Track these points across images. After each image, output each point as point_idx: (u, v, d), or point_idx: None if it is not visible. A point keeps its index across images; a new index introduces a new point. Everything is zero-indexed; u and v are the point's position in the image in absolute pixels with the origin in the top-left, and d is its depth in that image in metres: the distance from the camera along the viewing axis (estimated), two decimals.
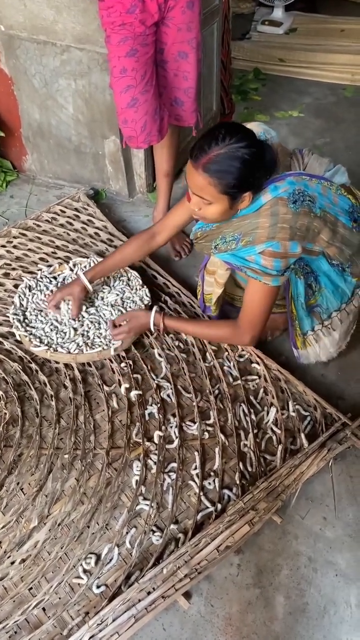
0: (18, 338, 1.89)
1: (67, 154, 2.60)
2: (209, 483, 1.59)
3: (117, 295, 2.01)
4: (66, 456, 1.63)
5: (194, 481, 1.59)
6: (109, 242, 2.32)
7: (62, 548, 1.46)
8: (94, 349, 1.83)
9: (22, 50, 2.31)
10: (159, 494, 1.56)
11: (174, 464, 1.62)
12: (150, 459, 1.64)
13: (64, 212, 2.44)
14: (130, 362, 1.87)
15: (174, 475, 1.60)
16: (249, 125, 1.80)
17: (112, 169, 2.55)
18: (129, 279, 2.08)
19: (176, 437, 1.68)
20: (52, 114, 2.47)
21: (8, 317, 1.96)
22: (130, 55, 1.85)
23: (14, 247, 2.28)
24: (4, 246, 2.27)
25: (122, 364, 1.86)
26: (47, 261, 2.23)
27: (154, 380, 1.83)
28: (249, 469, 1.62)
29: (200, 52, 2.00)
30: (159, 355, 1.90)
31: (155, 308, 1.75)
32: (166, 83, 2.01)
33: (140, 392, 1.78)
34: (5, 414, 1.73)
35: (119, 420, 1.74)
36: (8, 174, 2.74)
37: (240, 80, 3.62)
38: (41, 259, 2.24)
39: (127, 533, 1.49)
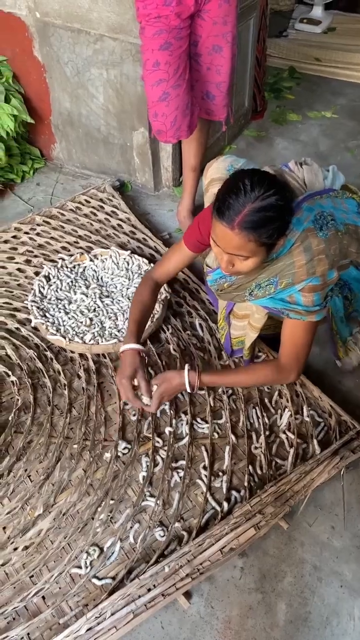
0: (35, 325, 1.89)
1: (95, 144, 2.59)
2: (217, 483, 1.57)
3: (136, 288, 2.00)
4: (75, 446, 1.63)
5: (202, 480, 1.57)
6: (132, 234, 2.31)
7: (65, 538, 1.46)
8: (109, 340, 1.82)
9: (56, 38, 2.31)
10: (166, 491, 1.55)
11: (183, 462, 1.60)
12: (159, 454, 1.62)
13: (88, 202, 2.44)
14: (145, 356, 1.85)
15: (181, 473, 1.58)
16: (217, 162, 1.73)
17: (139, 161, 2.53)
18: (139, 267, 2.06)
19: (186, 435, 1.66)
20: (82, 103, 2.47)
21: (27, 304, 1.96)
22: (164, 48, 1.83)
23: (37, 234, 2.28)
24: (27, 233, 2.28)
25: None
26: (69, 250, 2.22)
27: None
28: (259, 471, 1.60)
29: (235, 46, 1.97)
30: (174, 350, 1.88)
31: (187, 367, 1.54)
32: (199, 76, 1.99)
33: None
34: (18, 400, 1.73)
35: (130, 413, 1.73)
36: (36, 161, 2.74)
37: (275, 78, 3.57)
38: (63, 247, 2.24)
39: (131, 528, 1.48)
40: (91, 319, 1.90)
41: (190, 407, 1.72)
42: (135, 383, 1.52)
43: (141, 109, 2.32)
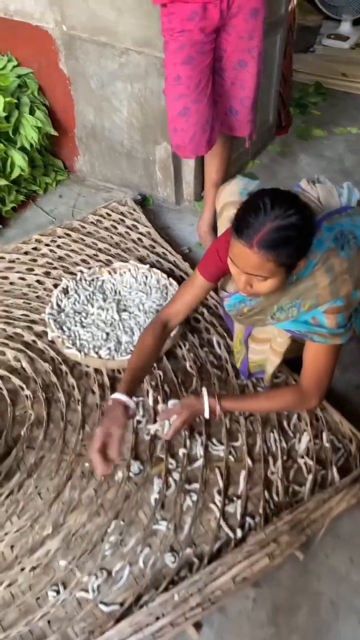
0: (51, 338, 1.87)
1: (118, 157, 2.59)
2: (231, 508, 1.52)
3: (154, 302, 1.97)
4: (87, 464, 1.59)
5: (216, 505, 1.52)
6: (151, 248, 2.28)
7: (73, 559, 1.42)
8: (125, 355, 1.79)
9: (82, 51, 2.31)
10: (178, 515, 1.50)
11: (196, 485, 1.56)
12: (172, 476, 1.58)
13: (109, 215, 2.42)
14: (161, 373, 1.82)
15: (195, 497, 1.53)
16: (229, 186, 1.69)
17: (162, 176, 2.52)
18: (167, 289, 2.03)
19: (201, 457, 1.61)
20: (106, 117, 2.47)
21: (44, 316, 1.95)
22: (186, 62, 1.82)
23: (58, 246, 2.28)
24: (48, 245, 2.27)
25: (152, 375, 1.82)
26: (89, 263, 2.21)
27: (183, 394, 1.77)
28: (275, 498, 1.54)
29: (261, 62, 1.95)
30: (190, 368, 1.85)
31: (205, 392, 1.45)
32: (222, 91, 1.97)
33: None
34: (31, 415, 1.71)
35: (143, 432, 1.69)
36: (59, 173, 2.75)
37: (300, 93, 3.54)
38: (83, 260, 2.22)
39: (141, 552, 1.44)
40: (107, 334, 1.87)
41: (205, 428, 1.68)
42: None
43: (164, 124, 2.30)
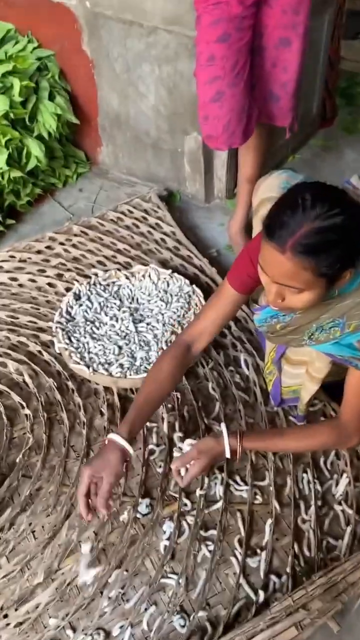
0: (58, 350, 1.67)
1: (143, 148, 2.37)
2: (254, 562, 1.29)
3: (175, 313, 1.75)
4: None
5: (236, 557, 1.30)
6: (175, 250, 2.06)
7: (67, 615, 1.22)
8: (139, 374, 1.57)
9: (106, 30, 2.10)
10: (191, 568, 1.28)
11: (214, 532, 1.33)
12: (186, 520, 1.36)
13: (131, 212, 2.21)
14: (179, 395, 1.60)
15: (211, 546, 1.31)
16: (269, 179, 1.47)
17: (190, 169, 2.29)
18: (189, 297, 1.81)
19: (220, 498, 1.39)
20: (131, 104, 2.25)
21: (52, 324, 1.75)
22: (221, 40, 1.58)
23: (73, 245, 2.08)
24: (62, 244, 2.08)
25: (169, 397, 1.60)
26: (105, 265, 2.00)
27: (204, 420, 1.55)
28: (306, 552, 1.31)
29: (306, 42, 1.69)
30: (213, 390, 1.62)
31: (224, 431, 1.23)
32: (262, 74, 1.72)
33: (183, 434, 1.51)
34: (30, 438, 1.51)
35: (156, 464, 1.47)
36: (80, 165, 2.55)
37: (348, 82, 3.24)
38: (99, 262, 2.02)
39: (145, 610, 1.23)
40: (120, 347, 1.66)
41: (227, 464, 1.45)
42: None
43: (195, 112, 2.06)
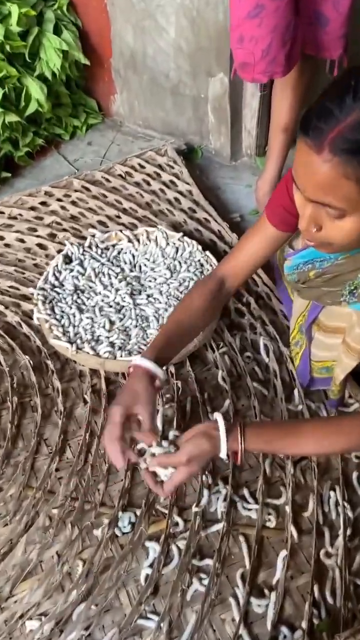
0: (37, 322, 1.39)
1: (162, 94, 2.05)
2: (259, 607, 0.99)
3: (181, 284, 1.44)
4: (55, 510, 1.11)
5: (236, 598, 1.00)
6: (190, 212, 1.74)
7: None
8: (132, 355, 1.28)
9: None
10: (177, 608, 0.99)
11: (210, 561, 1.04)
12: (176, 543, 1.06)
13: (142, 167, 1.90)
14: (179, 384, 1.29)
15: (206, 580, 1.01)
16: None
17: (215, 120, 1.96)
18: (202, 267, 1.50)
19: (222, 518, 1.09)
20: (149, 40, 1.92)
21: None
22: None
23: (72, 202, 1.78)
24: (60, 200, 1.79)
25: (168, 385, 1.30)
26: (107, 227, 1.70)
27: (208, 417, 1.24)
28: (329, 599, 1.00)
29: None
30: (223, 380, 1.31)
31: (220, 421, 0.90)
32: None
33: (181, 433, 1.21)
34: None
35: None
36: (91, 116, 2.24)
37: None
38: (101, 222, 1.72)
39: None
40: (112, 323, 1.37)
41: (234, 473, 1.15)
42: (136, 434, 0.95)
43: (222, 47, 1.74)
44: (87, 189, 1.82)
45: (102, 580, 1.02)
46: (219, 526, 1.08)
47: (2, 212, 1.74)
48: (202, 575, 1.03)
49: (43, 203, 1.78)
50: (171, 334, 1.00)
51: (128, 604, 1.01)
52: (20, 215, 1.74)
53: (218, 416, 0.92)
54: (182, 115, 2.05)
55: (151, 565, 1.04)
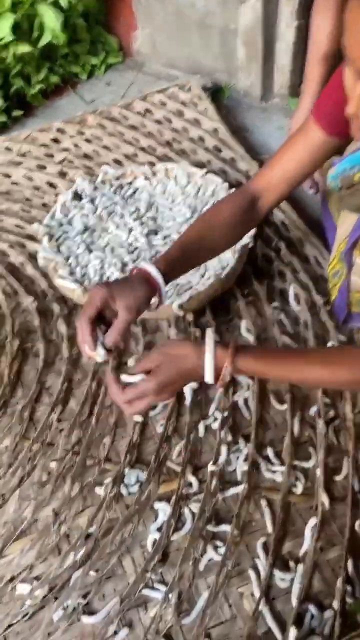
0: (41, 262, 1.25)
1: (187, 28, 1.86)
2: (283, 581, 0.86)
3: (190, 208, 1.29)
4: (54, 464, 0.98)
5: (257, 570, 0.87)
6: (216, 151, 1.58)
7: (5, 630, 0.83)
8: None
9: None
10: (188, 578, 0.86)
11: (227, 527, 0.90)
12: (188, 507, 0.93)
13: (164, 104, 1.73)
14: (197, 334, 1.15)
15: (222, 549, 0.88)
16: None
17: (245, 55, 1.77)
18: (214, 193, 1.34)
19: (242, 478, 0.95)
20: None
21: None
22: None
23: (86, 140, 1.63)
24: (72, 137, 1.63)
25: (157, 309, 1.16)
26: (123, 166, 1.55)
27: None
28: None
29: None
30: (247, 331, 1.16)
31: (210, 333, 0.78)
32: None
33: (198, 384, 1.07)
34: None
35: (156, 421, 1.05)
36: (111, 54, 2.08)
37: None
38: (116, 161, 1.57)
39: (114, 634, 0.82)
40: (125, 264, 1.22)
41: (257, 430, 1.01)
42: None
43: None
44: (103, 126, 1.66)
45: (104, 544, 0.89)
46: (238, 489, 0.94)
47: (10, 149, 1.60)
48: (218, 543, 0.89)
49: (55, 140, 1.63)
50: (188, 247, 0.86)
51: (132, 571, 0.88)
52: (30, 152, 1.60)
53: (208, 331, 0.78)
54: (209, 51, 1.86)
55: (160, 530, 0.91)
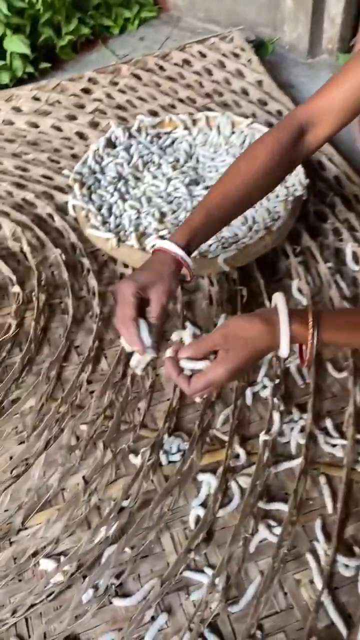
0: (72, 210, 1.13)
1: None
2: (348, 568, 0.74)
3: (234, 158, 1.16)
4: (84, 427, 0.87)
5: (316, 555, 0.75)
6: (261, 104, 1.45)
7: (14, 614, 0.72)
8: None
9: None
10: (237, 561, 0.75)
11: (282, 506, 0.79)
12: (236, 480, 0.82)
13: (204, 55, 1.60)
14: (244, 292, 1.03)
15: (276, 529, 0.77)
16: None
17: (293, 4, 1.63)
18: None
19: (298, 452, 0.83)
20: None
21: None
22: None
23: (120, 90, 1.51)
24: (105, 87, 1.52)
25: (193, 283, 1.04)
26: (159, 116, 1.43)
27: None
28: None
29: None
30: (299, 291, 1.04)
31: (281, 301, 0.65)
32: None
33: None
34: (12, 325, 1.00)
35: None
36: (145, 8, 1.95)
37: None
38: (152, 112, 1.44)
39: (152, 619, 0.71)
40: (164, 214, 1.10)
41: (315, 397, 0.88)
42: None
43: None
44: (138, 77, 1.54)
45: (140, 518, 0.78)
46: (293, 463, 0.82)
47: (38, 99, 1.48)
48: (271, 523, 0.78)
49: (85, 90, 1.51)
50: (214, 210, 0.76)
51: (172, 550, 0.77)
52: (59, 102, 1.48)
53: (278, 296, 0.66)
54: (252, 2, 1.73)
55: (204, 505, 0.80)
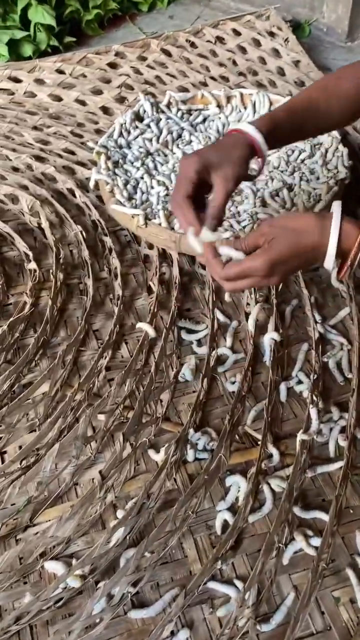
0: (93, 185, 1.05)
1: None
2: None
3: (289, 155, 1.08)
4: (101, 417, 0.80)
5: (356, 571, 0.67)
6: (298, 84, 1.36)
7: (16, 621, 0.65)
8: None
9: None
10: (269, 574, 0.66)
11: (321, 515, 0.70)
12: (269, 483, 0.73)
13: (238, 33, 1.52)
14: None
15: (314, 540, 0.68)
16: None
17: None
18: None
19: (340, 456, 0.75)
20: None
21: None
22: None
23: (148, 66, 1.43)
24: (132, 62, 1.44)
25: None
26: (189, 92, 1.35)
27: (316, 322, 0.90)
28: None
29: None
30: (339, 281, 0.96)
31: (338, 209, 0.60)
32: None
33: (283, 338, 0.87)
34: (27, 304, 0.93)
35: (226, 378, 0.85)
36: None
37: None
38: (182, 89, 1.36)
39: (171, 635, 0.63)
40: None
41: (356, 396, 0.80)
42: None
43: None
44: (168, 53, 1.46)
45: (161, 521, 0.70)
46: (333, 466, 0.74)
47: (62, 72, 1.41)
48: (308, 532, 0.70)
49: (112, 65, 1.43)
50: (296, 109, 0.70)
51: (196, 557, 0.69)
52: (84, 76, 1.41)
53: (336, 202, 0.60)
54: None
55: (231, 509, 0.72)
